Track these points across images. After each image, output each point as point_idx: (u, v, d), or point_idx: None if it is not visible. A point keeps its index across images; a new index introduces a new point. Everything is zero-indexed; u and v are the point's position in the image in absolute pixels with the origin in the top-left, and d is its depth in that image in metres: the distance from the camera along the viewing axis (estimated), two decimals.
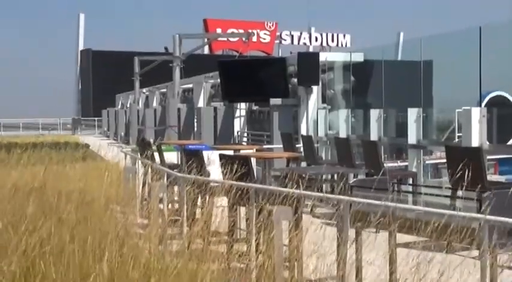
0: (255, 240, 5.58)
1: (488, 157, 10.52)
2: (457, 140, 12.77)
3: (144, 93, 36.08)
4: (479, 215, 4.34)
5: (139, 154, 11.32)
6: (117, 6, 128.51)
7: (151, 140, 15.61)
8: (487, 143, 10.39)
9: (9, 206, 6.30)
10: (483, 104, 12.11)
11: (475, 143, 10.34)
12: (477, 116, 10.46)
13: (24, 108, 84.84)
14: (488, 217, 4.12)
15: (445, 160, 9.22)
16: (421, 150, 12.40)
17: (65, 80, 71.43)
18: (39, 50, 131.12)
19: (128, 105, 37.48)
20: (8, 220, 5.19)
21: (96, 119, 52.33)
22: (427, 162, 12.63)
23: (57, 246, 4.44)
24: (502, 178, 12.63)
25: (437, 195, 8.26)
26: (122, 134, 35.14)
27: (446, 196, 7.72)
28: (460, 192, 7.33)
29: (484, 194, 6.02)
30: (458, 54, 13.63)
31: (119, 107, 41.74)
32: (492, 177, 11.64)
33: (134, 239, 5.81)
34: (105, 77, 56.09)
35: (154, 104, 33.57)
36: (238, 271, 5.09)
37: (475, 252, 4.34)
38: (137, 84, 35.16)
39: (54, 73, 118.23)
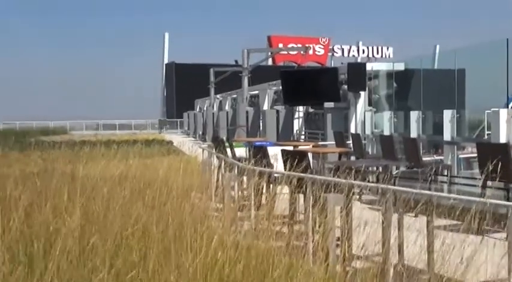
0: (312, 222, 5.55)
1: None
2: (486, 137, 12.48)
3: (218, 98, 36.31)
4: (507, 203, 4.24)
5: (214, 149, 11.40)
6: (195, 25, 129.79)
7: (224, 138, 15.70)
8: None
9: (107, 192, 6.41)
10: (510, 106, 11.82)
11: (502, 139, 10.11)
12: (504, 116, 10.26)
13: (119, 111, 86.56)
14: None
15: (476, 154, 9.02)
16: (455, 146, 12.20)
17: (154, 88, 72.33)
18: (134, 64, 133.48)
19: (205, 109, 37.79)
20: (106, 203, 5.28)
21: (178, 120, 52.97)
22: (460, 156, 12.37)
23: (144, 226, 4.49)
24: None
25: (469, 185, 8.10)
26: (200, 132, 35.45)
27: (477, 186, 7.55)
28: (489, 183, 7.17)
29: (511, 184, 5.87)
30: (488, 63, 13.28)
31: (197, 110, 42.12)
32: None
33: (210, 220, 5.84)
34: (186, 85, 56.61)
35: (227, 107, 33.75)
36: (297, 248, 5.08)
37: (503, 235, 4.23)
38: (212, 91, 35.47)
39: (145, 82, 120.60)
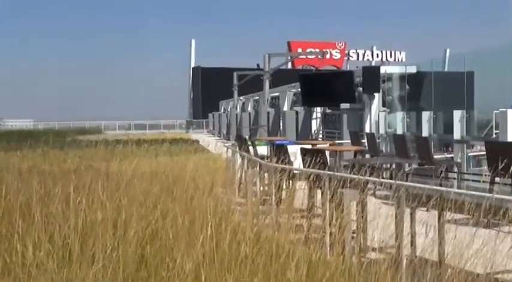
0: (329, 216, 5.53)
1: None
2: (494, 135, 12.37)
3: (241, 100, 36.34)
4: None
5: (237, 148, 11.41)
6: (219, 31, 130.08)
7: (247, 137, 15.72)
8: None
9: (138, 187, 6.45)
10: None
11: (510, 138, 10.00)
12: None
13: (149, 112, 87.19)
14: None
15: (484, 152, 8.92)
16: (465, 145, 12.09)
17: (181, 90, 72.62)
18: (163, 68, 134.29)
19: (229, 110, 37.84)
20: (138, 198, 5.32)
21: (204, 120, 53.04)
22: (469, 154, 12.25)
23: (172, 218, 4.51)
24: None
25: (478, 181, 8.00)
26: (224, 132, 35.50)
27: (486, 182, 7.47)
28: (497, 179, 7.09)
29: None
30: (495, 65, 13.15)
31: (222, 111, 42.18)
32: None
33: (233, 213, 5.85)
34: (211, 88, 56.67)
35: (249, 108, 33.76)
36: (315, 240, 5.06)
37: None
38: (236, 93, 35.47)
39: (173, 85, 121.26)
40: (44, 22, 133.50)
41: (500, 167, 6.19)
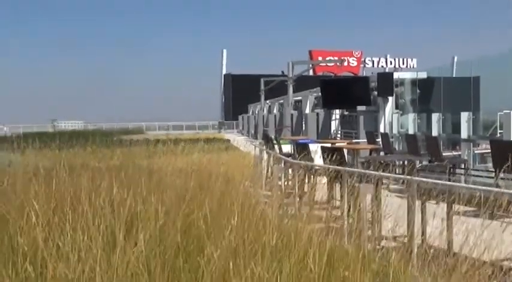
0: (347, 208, 5.51)
1: None
2: (498, 135, 12.18)
3: (267, 103, 36.34)
4: None
5: (264, 146, 11.42)
6: (248, 41, 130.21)
7: (273, 136, 15.71)
8: None
9: (177, 182, 6.50)
10: None
11: None
12: None
13: (186, 114, 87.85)
14: None
15: (489, 150, 8.78)
16: (471, 143, 11.93)
17: (214, 94, 72.98)
18: (199, 75, 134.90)
19: (256, 112, 37.90)
20: (177, 192, 5.35)
21: (234, 121, 53.18)
22: (475, 152, 12.08)
23: (207, 210, 4.52)
24: None
25: (483, 176, 7.86)
26: (252, 132, 35.57)
27: (491, 177, 7.34)
28: (501, 175, 6.97)
29: None
30: (499, 70, 12.95)
31: (250, 113, 42.26)
32: None
33: (261, 205, 5.86)
34: (241, 92, 56.82)
35: (275, 111, 33.75)
36: (334, 229, 5.04)
37: None
38: (262, 97, 35.49)
39: (207, 90, 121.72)
40: (98, 34, 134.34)
41: (505, 164, 6.09)
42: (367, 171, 5.60)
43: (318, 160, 8.47)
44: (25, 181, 5.90)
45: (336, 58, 51.04)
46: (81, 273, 3.02)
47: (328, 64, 52.30)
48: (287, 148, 11.97)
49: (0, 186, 5.68)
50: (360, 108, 17.00)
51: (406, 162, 9.91)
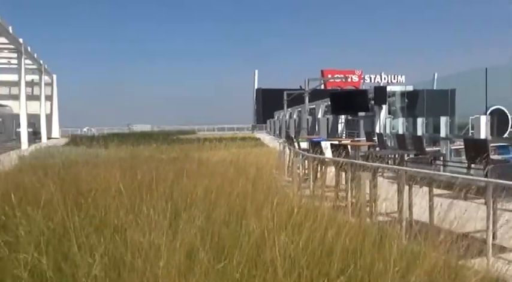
0: (350, 190, 5.48)
1: (491, 145, 9.68)
2: (470, 134, 11.92)
3: (289, 110, 36.24)
4: (485, 179, 4.04)
5: (286, 143, 11.42)
6: (274, 62, 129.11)
7: (293, 136, 15.69)
8: (490, 136, 9.62)
9: (221, 169, 6.57)
10: (487, 113, 11.23)
11: (482, 136, 9.63)
12: (484, 120, 9.79)
13: (227, 118, 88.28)
14: (491, 180, 3.83)
15: (463, 146, 8.61)
16: (448, 141, 11.70)
17: (248, 103, 72.97)
18: (238, 90, 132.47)
19: (281, 117, 37.79)
20: (219, 179, 5.41)
21: (264, 124, 53.13)
22: (451, 147, 11.84)
23: (242, 191, 4.55)
24: (499, 157, 11.59)
25: (458, 166, 7.72)
26: (277, 132, 35.48)
27: (464, 167, 7.21)
28: (473, 165, 6.85)
29: (488, 166, 5.56)
30: (471, 84, 12.66)
31: (276, 118, 42.17)
32: (493, 156, 10.69)
33: (284, 188, 5.87)
34: (268, 102, 56.62)
35: (294, 116, 33.60)
36: (340, 207, 5.03)
37: (482, 200, 4.03)
38: (285, 106, 35.38)
39: (243, 100, 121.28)
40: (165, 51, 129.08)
41: (474, 157, 5.98)
42: (366, 162, 5.55)
43: (328, 154, 8.44)
44: (108, 168, 6.04)
45: (342, 75, 50.61)
46: (151, 242, 3.03)
47: (336, 80, 51.79)
48: (304, 145, 11.94)
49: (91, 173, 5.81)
50: (361, 114, 16.86)
51: (397, 156, 9.77)
